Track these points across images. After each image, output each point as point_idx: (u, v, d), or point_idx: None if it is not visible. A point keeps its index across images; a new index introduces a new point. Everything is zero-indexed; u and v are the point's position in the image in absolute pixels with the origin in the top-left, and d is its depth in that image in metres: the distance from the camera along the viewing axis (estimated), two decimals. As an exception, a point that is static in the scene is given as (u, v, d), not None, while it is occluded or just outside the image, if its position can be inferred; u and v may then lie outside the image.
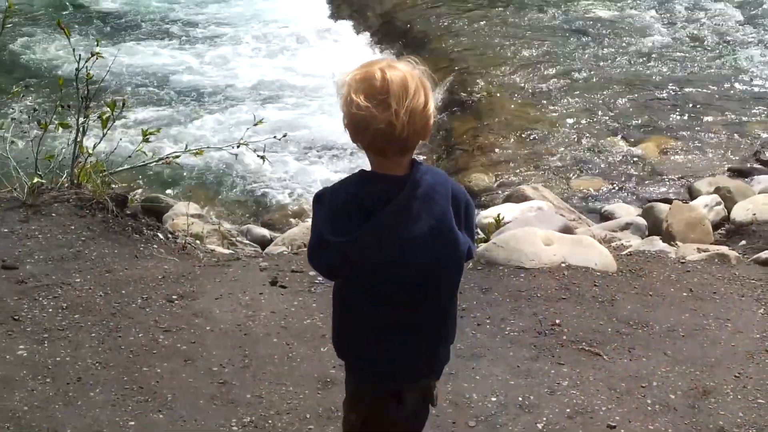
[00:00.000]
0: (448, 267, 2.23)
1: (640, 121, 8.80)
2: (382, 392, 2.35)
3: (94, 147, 4.69)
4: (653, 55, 10.55)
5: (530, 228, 4.62)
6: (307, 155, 7.96)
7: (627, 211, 6.95)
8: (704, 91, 9.54)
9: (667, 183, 7.73)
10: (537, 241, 4.36)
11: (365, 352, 2.32)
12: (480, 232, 6.56)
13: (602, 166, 8.07)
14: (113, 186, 4.75)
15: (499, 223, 6.04)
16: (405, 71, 2.14)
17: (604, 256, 4.39)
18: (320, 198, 2.24)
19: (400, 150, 2.16)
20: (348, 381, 2.42)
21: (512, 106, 9.29)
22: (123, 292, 3.85)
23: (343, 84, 2.17)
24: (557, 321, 3.80)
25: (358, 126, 2.14)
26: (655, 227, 6.23)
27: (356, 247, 2.15)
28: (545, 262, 4.26)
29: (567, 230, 5.15)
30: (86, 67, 4.54)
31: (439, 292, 2.26)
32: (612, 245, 4.99)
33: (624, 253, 4.73)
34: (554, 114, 9.04)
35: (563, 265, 4.28)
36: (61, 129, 4.59)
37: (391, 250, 2.16)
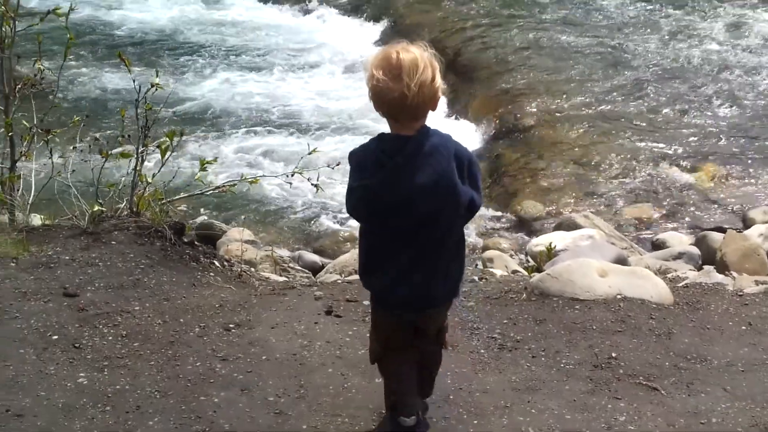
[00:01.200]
0: (448, 211, 2.76)
1: (693, 149, 8.72)
2: (398, 319, 2.93)
3: (153, 176, 4.78)
4: (706, 83, 10.44)
5: (585, 259, 4.59)
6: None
7: (679, 241, 6.88)
8: (760, 119, 9.42)
9: (721, 212, 7.64)
10: (592, 273, 4.33)
11: (381, 282, 2.87)
12: (531, 259, 6.56)
13: (654, 194, 8.00)
14: (170, 214, 4.83)
15: (550, 252, 6.03)
16: (416, 52, 2.67)
17: (660, 288, 4.34)
18: (350, 155, 2.81)
19: (412, 116, 2.70)
20: (372, 312, 3.04)
21: (563, 133, 9.26)
22: (181, 320, 3.91)
23: (367, 64, 2.73)
24: (613, 354, 3.76)
25: (378, 96, 2.69)
26: (708, 257, 6.16)
27: (370, 190, 2.73)
28: (600, 294, 4.23)
29: (621, 261, 5.12)
30: (145, 97, 4.65)
31: (439, 231, 2.79)
32: (668, 277, 4.94)
33: (680, 284, 4.67)
34: (605, 141, 9.00)
35: (618, 296, 4.24)
36: (121, 158, 4.68)
37: (398, 193, 2.70)
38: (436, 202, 2.72)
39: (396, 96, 2.65)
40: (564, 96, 10.14)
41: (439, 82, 2.72)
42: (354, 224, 7.26)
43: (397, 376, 3.06)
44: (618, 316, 4.09)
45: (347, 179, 2.84)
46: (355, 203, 2.80)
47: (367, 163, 2.74)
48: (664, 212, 7.69)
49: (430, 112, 2.75)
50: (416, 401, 3.07)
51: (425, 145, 2.70)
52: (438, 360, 3.16)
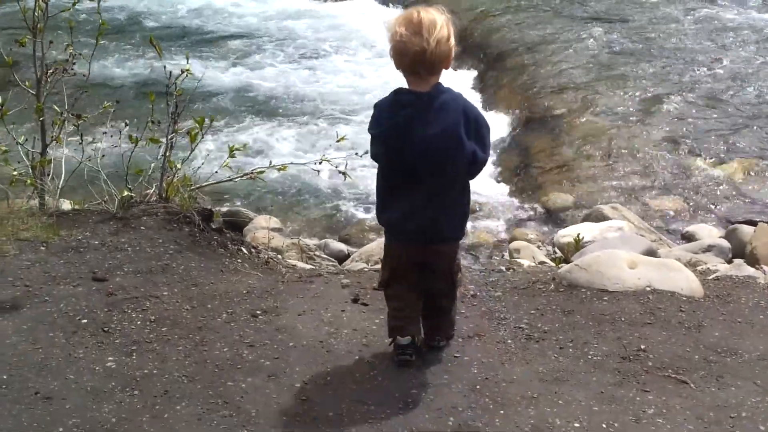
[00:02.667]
0: (453, 160, 3.13)
1: (725, 142, 8.60)
2: (406, 251, 3.31)
3: (183, 162, 4.79)
4: (738, 77, 10.29)
5: (614, 250, 4.55)
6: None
7: (709, 233, 6.80)
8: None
9: (752, 205, 7.54)
10: (621, 264, 4.29)
11: (395, 217, 3.26)
12: (558, 251, 6.51)
13: (684, 186, 7.91)
14: (199, 200, 4.84)
15: (578, 243, 5.98)
16: (435, 13, 3.06)
17: (690, 280, 4.29)
18: (375, 106, 3.22)
19: (429, 70, 3.07)
20: (384, 245, 3.41)
21: (590, 123, 9.18)
22: (209, 306, 3.92)
23: (390, 24, 3.10)
24: (642, 346, 3.73)
25: (400, 51, 3.06)
26: (738, 250, 6.09)
27: (384, 136, 3.15)
28: (629, 286, 4.19)
29: (651, 253, 5.07)
30: (176, 83, 4.66)
31: (446, 176, 3.16)
32: (698, 269, 4.88)
33: (711, 277, 4.62)
34: (634, 132, 8.91)
35: (648, 289, 4.20)
36: (150, 143, 4.70)
37: (410, 140, 3.08)
38: (443, 150, 3.10)
39: (417, 50, 3.01)
40: (592, 87, 10.05)
41: (453, 41, 3.09)
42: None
43: (399, 301, 3.42)
44: (647, 308, 4.05)
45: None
46: (374, 148, 3.23)
47: (383, 115, 3.15)
48: (694, 205, 7.60)
49: (444, 70, 3.12)
50: (414, 327, 3.45)
51: (436, 100, 3.09)
52: (451, 298, 3.50)
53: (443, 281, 3.42)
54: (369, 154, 3.31)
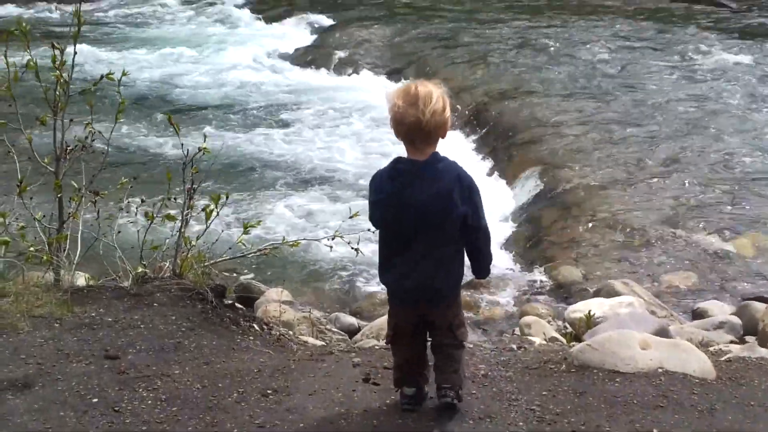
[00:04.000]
0: (445, 221, 3.36)
1: (735, 216, 8.62)
2: (405, 310, 3.54)
3: (197, 238, 4.85)
4: (749, 151, 10.36)
5: (627, 330, 4.55)
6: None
7: (721, 309, 6.77)
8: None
9: (763, 280, 7.52)
10: (634, 345, 4.29)
11: (392, 276, 3.51)
12: (569, 326, 6.49)
13: (694, 261, 7.90)
14: (212, 276, 4.88)
15: (589, 320, 5.97)
16: (431, 87, 3.32)
17: (702, 362, 4.28)
18: (372, 177, 3.49)
19: (424, 140, 3.32)
20: (388, 301, 3.67)
21: (601, 197, 9.22)
22: (220, 385, 3.92)
23: (389, 96, 3.37)
24: (655, 430, 3.70)
25: (398, 121, 3.31)
26: (750, 327, 6.06)
27: (383, 202, 3.39)
28: (642, 367, 4.18)
29: (663, 332, 5.06)
30: (192, 161, 4.75)
31: (439, 236, 3.38)
32: (710, 350, 4.87)
33: (723, 359, 4.60)
34: (644, 205, 8.94)
35: (660, 370, 4.19)
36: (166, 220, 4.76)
37: (406, 206, 3.33)
38: (436, 213, 3.33)
39: (413, 120, 3.27)
40: (602, 161, 10.12)
41: (449, 113, 3.34)
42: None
43: (402, 356, 3.66)
44: (660, 391, 4.03)
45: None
46: (373, 213, 3.47)
47: (382, 183, 3.40)
48: (705, 280, 7.58)
49: (441, 139, 3.36)
50: (419, 378, 3.68)
51: (432, 168, 3.33)
52: (457, 355, 3.63)
53: (445, 336, 3.60)
54: (370, 221, 3.56)
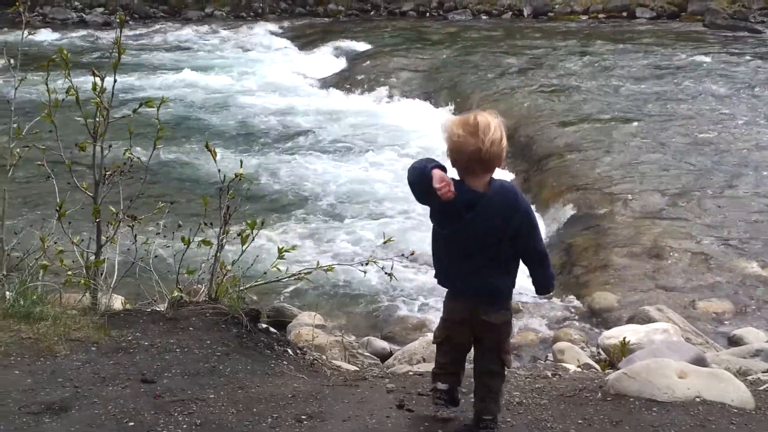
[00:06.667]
0: (500, 243, 3.51)
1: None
2: (459, 302, 3.65)
3: (233, 263, 4.88)
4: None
5: (664, 359, 4.50)
6: (430, 270, 8.06)
7: (757, 337, 6.69)
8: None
9: (800, 308, 7.42)
10: (670, 374, 4.24)
11: (451, 268, 3.64)
12: (602, 352, 6.44)
13: (730, 288, 7.81)
14: (246, 300, 4.91)
15: (624, 347, 5.92)
16: (489, 117, 3.43)
17: (741, 391, 4.22)
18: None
19: (485, 168, 3.44)
20: (444, 302, 3.77)
21: (634, 222, 9.17)
22: (254, 410, 3.93)
23: (447, 126, 3.48)
24: (693, 461, 3.65)
25: (458, 150, 3.43)
26: (788, 354, 5.97)
27: (450, 232, 3.52)
28: (679, 396, 4.13)
29: (700, 360, 5.00)
30: (228, 187, 4.79)
31: (492, 254, 3.53)
32: (748, 379, 4.80)
33: (761, 388, 4.53)
34: (680, 231, 8.87)
35: (698, 399, 4.14)
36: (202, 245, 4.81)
37: (470, 234, 3.49)
38: (491, 236, 3.48)
39: (473, 149, 3.38)
40: (636, 186, 10.08)
41: (505, 142, 3.45)
42: (425, 310, 7.32)
43: (445, 357, 3.78)
44: (697, 420, 3.98)
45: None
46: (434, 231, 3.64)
47: (448, 212, 3.49)
48: (741, 307, 7.49)
49: (497, 167, 3.48)
50: (453, 380, 3.79)
51: (494, 198, 3.46)
52: (498, 380, 3.71)
53: (491, 357, 3.69)
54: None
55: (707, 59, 17.13)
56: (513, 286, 3.70)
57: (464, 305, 3.65)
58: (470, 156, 3.40)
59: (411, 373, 4.81)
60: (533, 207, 9.84)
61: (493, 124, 3.41)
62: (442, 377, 3.80)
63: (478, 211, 3.45)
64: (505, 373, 3.78)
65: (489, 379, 3.70)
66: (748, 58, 16.83)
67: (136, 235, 4.99)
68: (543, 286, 3.76)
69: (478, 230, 3.48)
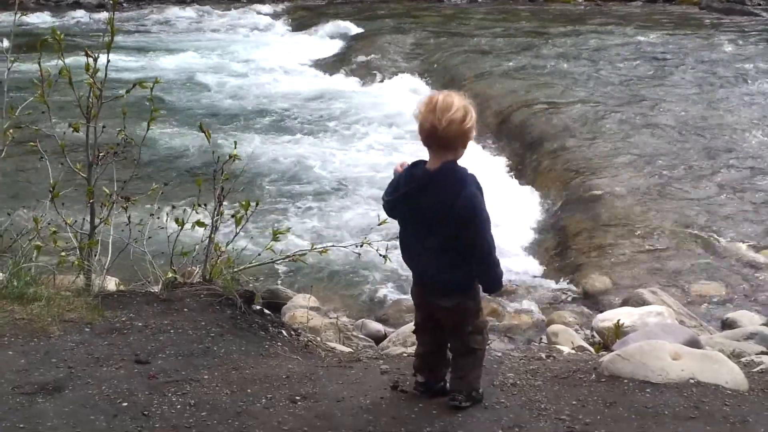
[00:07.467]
0: (444, 225, 3.50)
1: (766, 227, 8.52)
2: (425, 291, 3.73)
3: (227, 244, 4.87)
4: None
5: (658, 341, 4.50)
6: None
7: (750, 320, 6.70)
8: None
9: (795, 292, 7.43)
10: (664, 356, 4.25)
11: (410, 262, 3.74)
12: (597, 335, 6.44)
13: (724, 271, 7.82)
14: (241, 282, 4.90)
15: (618, 330, 5.93)
16: (454, 97, 3.44)
17: (734, 373, 4.23)
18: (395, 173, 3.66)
19: (442, 147, 3.46)
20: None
21: (629, 206, 9.16)
22: (248, 390, 3.93)
23: (417, 103, 3.51)
24: (686, 442, 3.66)
25: (420, 126, 3.48)
26: (781, 337, 5.98)
27: (390, 205, 3.65)
28: (673, 378, 4.14)
29: (694, 342, 5.00)
30: (222, 168, 4.77)
31: (437, 241, 3.55)
32: (742, 361, 4.81)
33: (755, 370, 4.54)
34: (673, 215, 8.87)
35: (692, 381, 4.14)
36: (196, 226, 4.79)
37: (411, 208, 3.56)
38: (439, 220, 3.50)
39: (428, 127, 3.43)
40: (630, 169, 10.07)
41: (470, 123, 3.44)
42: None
43: (421, 347, 3.90)
44: (691, 402, 3.99)
45: None
46: (385, 209, 3.71)
47: (396, 184, 3.60)
48: (735, 290, 7.50)
49: (461, 149, 3.50)
50: (432, 373, 3.88)
51: (439, 179, 3.47)
52: (467, 359, 3.77)
53: (453, 338, 3.78)
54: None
55: (703, 42, 17.10)
56: (470, 278, 3.67)
57: (419, 291, 3.78)
58: (427, 133, 3.45)
59: (405, 354, 4.81)
60: (529, 189, 10.03)
61: (456, 104, 3.41)
62: (421, 370, 3.92)
63: (422, 191, 3.49)
64: (477, 353, 3.80)
65: (459, 358, 3.80)
66: (742, 42, 16.81)
67: (129, 216, 4.97)
68: (486, 288, 3.74)
69: (425, 212, 3.52)
